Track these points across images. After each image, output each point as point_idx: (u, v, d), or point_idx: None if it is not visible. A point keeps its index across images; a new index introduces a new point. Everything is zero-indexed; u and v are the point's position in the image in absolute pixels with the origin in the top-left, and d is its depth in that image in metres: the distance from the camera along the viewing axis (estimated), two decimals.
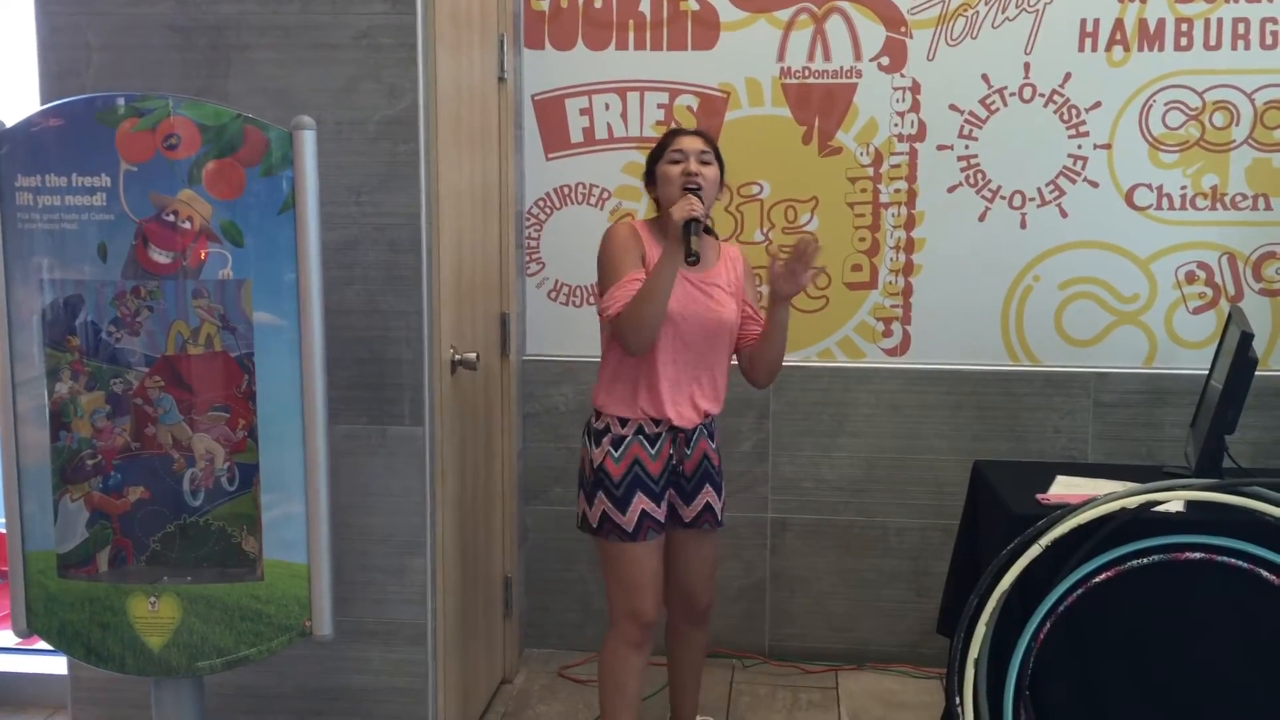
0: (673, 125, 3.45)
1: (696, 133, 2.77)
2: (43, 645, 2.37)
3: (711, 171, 2.70)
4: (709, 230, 2.75)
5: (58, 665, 3.02)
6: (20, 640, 2.47)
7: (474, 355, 2.87)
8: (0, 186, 2.18)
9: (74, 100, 2.17)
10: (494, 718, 3.28)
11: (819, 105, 3.46)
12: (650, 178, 2.77)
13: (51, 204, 2.14)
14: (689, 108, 3.49)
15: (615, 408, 2.72)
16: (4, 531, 2.41)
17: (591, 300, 3.52)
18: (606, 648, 2.80)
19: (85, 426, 2.19)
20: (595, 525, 2.72)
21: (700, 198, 2.63)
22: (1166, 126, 3.38)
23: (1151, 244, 3.42)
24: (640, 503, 2.69)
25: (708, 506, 2.81)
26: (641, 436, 2.71)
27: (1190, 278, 3.43)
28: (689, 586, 2.89)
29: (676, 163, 2.69)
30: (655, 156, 2.75)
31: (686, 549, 2.86)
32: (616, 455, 2.70)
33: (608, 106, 3.52)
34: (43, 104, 2.36)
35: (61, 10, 2.57)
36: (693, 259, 2.57)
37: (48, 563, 2.23)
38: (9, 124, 2.18)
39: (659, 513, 2.72)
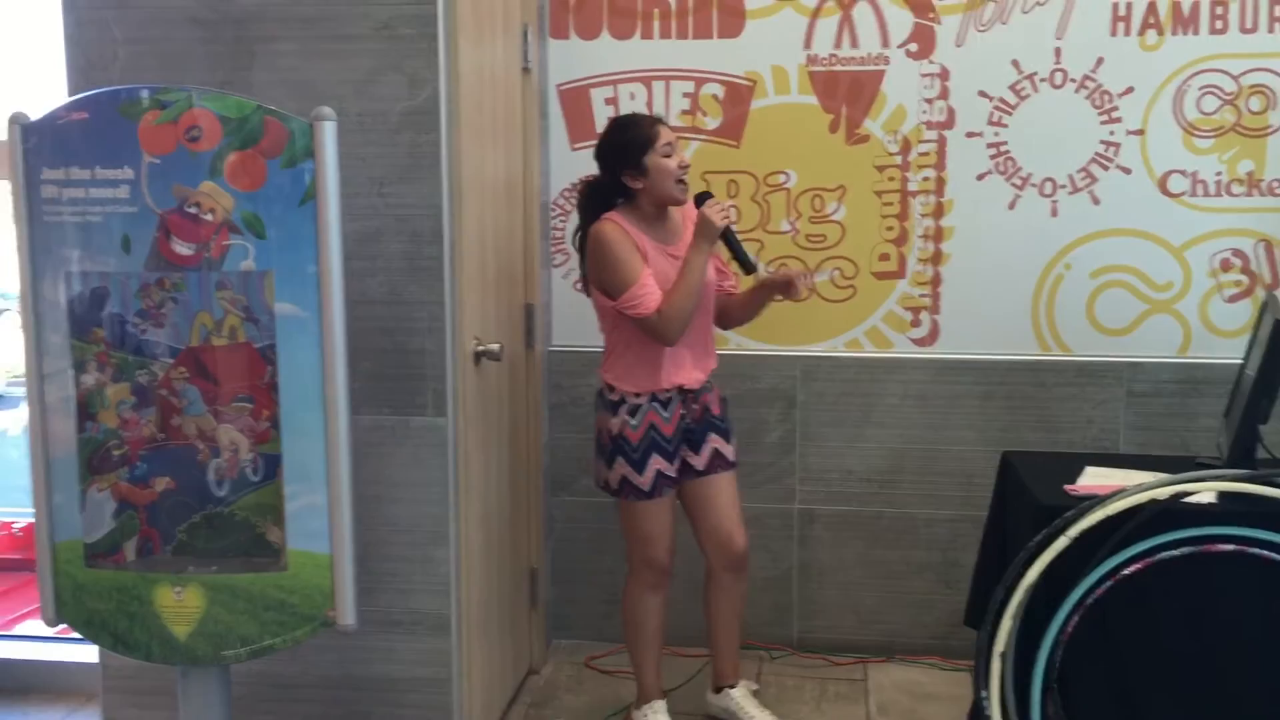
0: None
1: (664, 121, 2.90)
2: (74, 634, 2.39)
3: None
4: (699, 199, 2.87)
5: (89, 654, 3.05)
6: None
7: (497, 346, 2.87)
8: (27, 179, 2.20)
9: (98, 93, 2.18)
10: (520, 708, 3.29)
11: (846, 93, 3.43)
12: (637, 169, 2.82)
13: (76, 196, 2.16)
14: (715, 96, 3.47)
15: (628, 384, 2.90)
16: (33, 521, 2.43)
17: None
18: (627, 594, 3.05)
19: (112, 417, 2.21)
20: (615, 488, 2.93)
21: (710, 197, 2.82)
22: (1201, 111, 3.32)
23: (1186, 231, 3.37)
24: (655, 463, 2.89)
25: (716, 452, 2.99)
26: (655, 402, 2.90)
27: (1225, 265, 3.37)
28: (722, 530, 3.03)
29: (668, 156, 2.82)
30: (642, 148, 2.81)
31: (708, 496, 3.01)
32: (634, 423, 2.90)
33: (633, 96, 3.50)
34: (69, 97, 2.38)
35: (88, 4, 2.59)
36: (751, 269, 2.86)
37: (75, 552, 2.25)
38: (35, 117, 2.19)
39: (671, 469, 2.93)
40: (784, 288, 2.90)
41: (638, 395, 2.89)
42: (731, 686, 3.16)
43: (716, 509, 3.01)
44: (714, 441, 2.99)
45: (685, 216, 2.94)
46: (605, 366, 2.96)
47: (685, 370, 2.92)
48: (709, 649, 3.20)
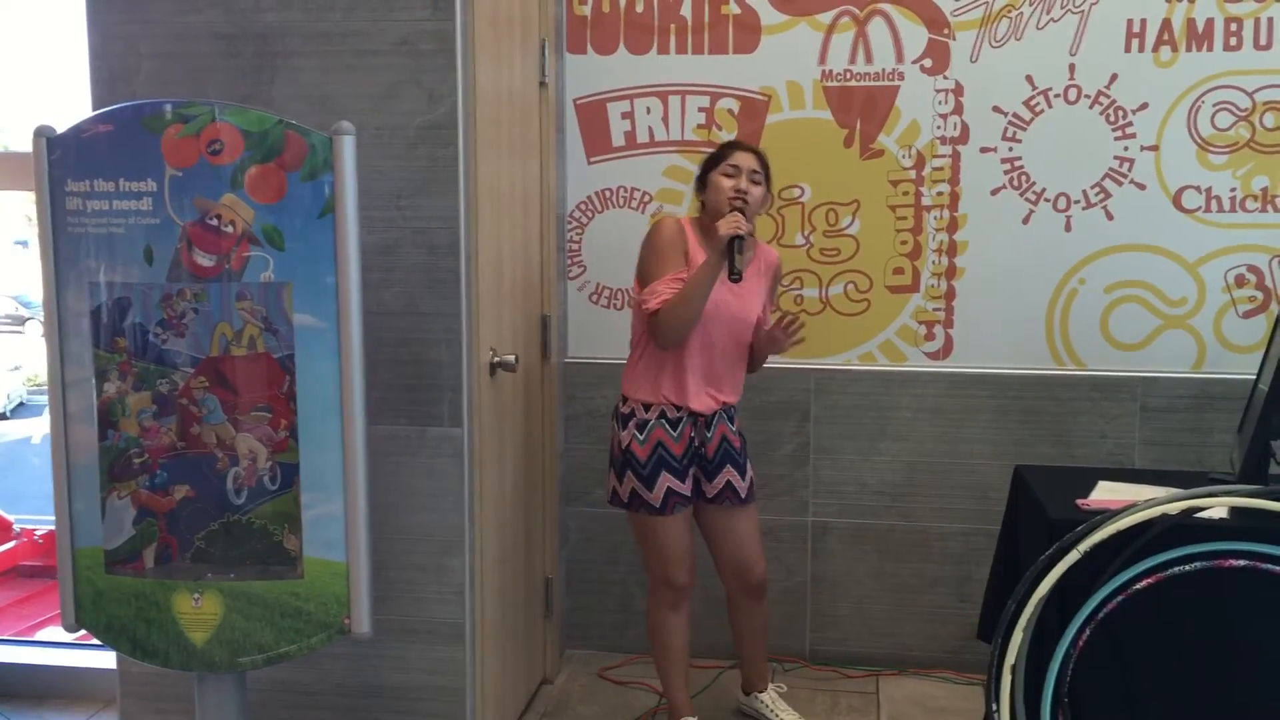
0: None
1: (754, 151, 2.96)
2: (93, 640, 2.42)
3: (759, 191, 2.92)
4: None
5: (107, 660, 3.08)
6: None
7: (513, 357, 2.90)
8: (52, 191, 2.24)
9: (122, 107, 2.22)
10: (534, 718, 3.30)
11: (861, 108, 3.45)
12: (702, 182, 2.95)
13: (100, 208, 2.20)
14: (730, 111, 3.50)
15: (640, 393, 2.94)
16: (53, 529, 2.47)
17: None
18: (649, 612, 3.08)
19: (133, 426, 2.24)
20: (626, 501, 2.96)
21: (745, 214, 2.82)
22: (1215, 128, 3.33)
23: (1200, 247, 3.37)
24: (665, 480, 2.91)
25: (728, 485, 3.00)
26: (664, 420, 2.92)
27: (1240, 281, 3.37)
28: (737, 559, 3.07)
29: (730, 176, 2.88)
30: (711, 163, 2.94)
31: (722, 524, 3.05)
32: (641, 438, 2.92)
33: (649, 110, 3.53)
34: (94, 110, 2.42)
35: (113, 19, 2.63)
36: (735, 276, 2.74)
37: (96, 559, 2.28)
38: (60, 130, 2.23)
39: (684, 488, 2.95)
40: (770, 342, 2.96)
41: (647, 409, 2.92)
42: (761, 692, 3.23)
43: (735, 538, 3.05)
44: (728, 474, 2.99)
45: (760, 255, 3.02)
46: (625, 375, 3.01)
47: (704, 396, 2.94)
48: (738, 654, 3.27)
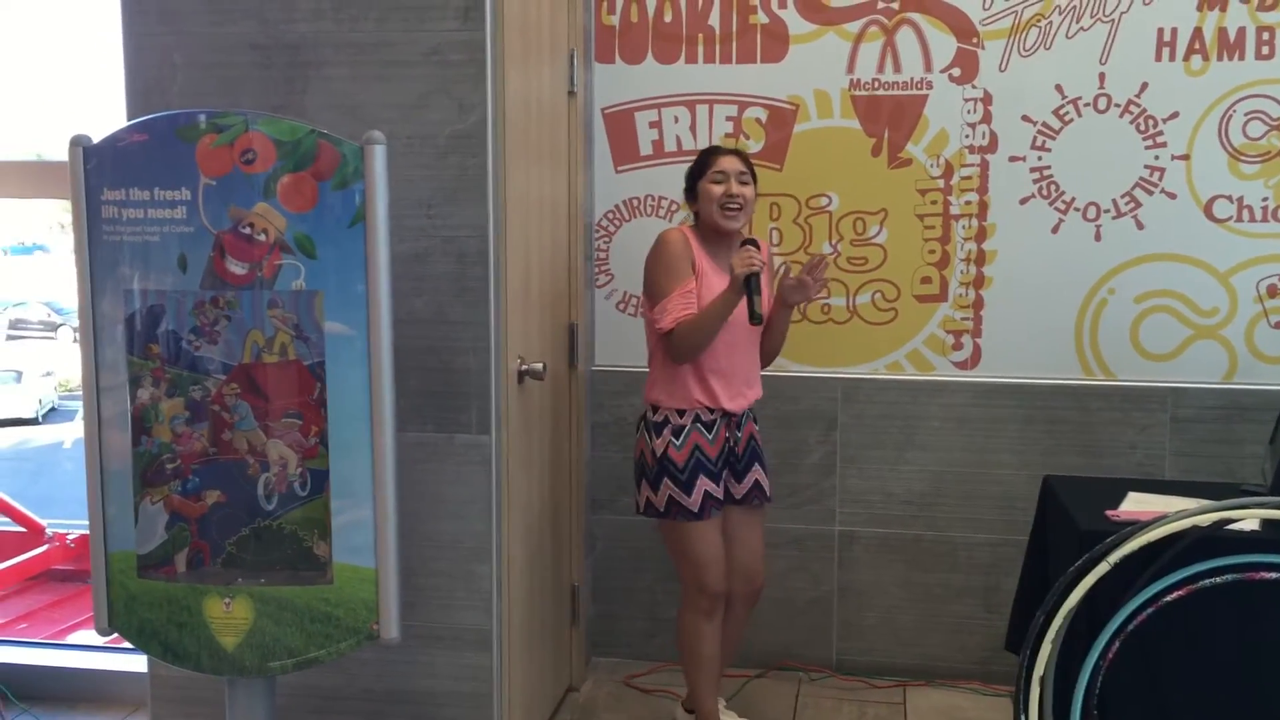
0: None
1: (735, 152, 2.98)
2: (124, 644, 2.45)
3: (750, 191, 2.94)
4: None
5: (138, 664, 3.11)
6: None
7: (541, 365, 2.91)
8: (88, 200, 2.27)
9: (157, 117, 2.24)
10: None
11: (889, 117, 3.45)
12: (691, 193, 2.97)
13: (135, 217, 2.22)
14: (758, 120, 3.51)
15: (672, 400, 2.94)
16: (85, 533, 2.49)
17: None
18: (681, 619, 3.05)
19: (165, 432, 2.26)
20: (662, 510, 2.94)
21: (753, 246, 2.79)
22: (1247, 137, 3.31)
23: (1231, 257, 3.35)
24: (703, 484, 2.92)
25: (756, 484, 3.04)
26: (699, 424, 2.93)
27: (1272, 291, 3.35)
28: (747, 565, 3.09)
29: (718, 183, 2.90)
30: (697, 173, 2.96)
31: (741, 528, 3.06)
32: (678, 443, 2.93)
33: (677, 119, 3.55)
34: (129, 120, 2.45)
35: (148, 31, 2.66)
36: (757, 320, 2.79)
37: (128, 563, 2.30)
38: (96, 140, 2.27)
39: (718, 491, 2.96)
40: (796, 290, 2.92)
41: (681, 415, 2.92)
42: (691, 711, 3.21)
43: (750, 544, 3.08)
44: (756, 473, 3.05)
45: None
46: (649, 385, 3.01)
47: (736, 395, 2.95)
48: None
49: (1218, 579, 2.37)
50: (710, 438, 2.94)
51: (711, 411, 2.93)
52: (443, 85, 2.56)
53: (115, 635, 2.37)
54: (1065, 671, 2.48)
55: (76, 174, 2.26)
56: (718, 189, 2.89)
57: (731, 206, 2.89)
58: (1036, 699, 2.45)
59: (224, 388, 2.23)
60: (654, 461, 2.94)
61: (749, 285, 2.77)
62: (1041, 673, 2.44)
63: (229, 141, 2.18)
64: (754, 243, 2.81)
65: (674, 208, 3.57)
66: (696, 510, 2.91)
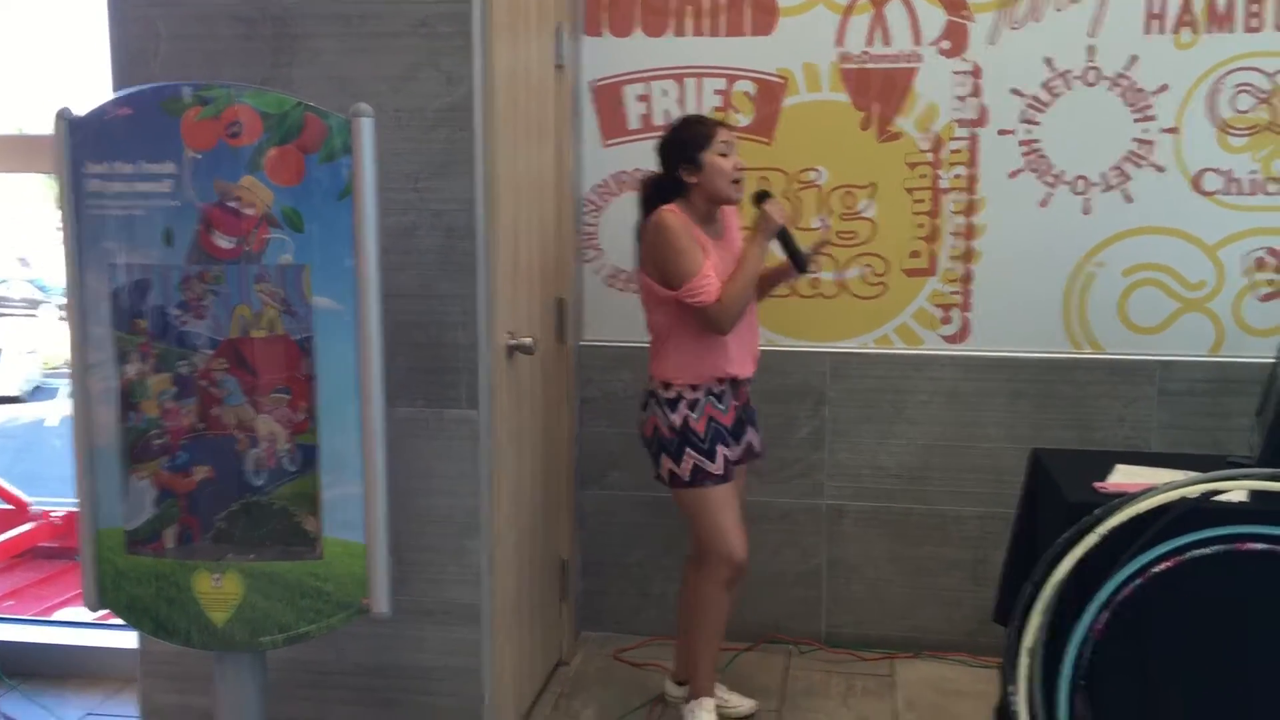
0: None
1: (724, 123, 2.99)
2: (113, 620, 2.44)
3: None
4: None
5: (127, 640, 3.11)
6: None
7: (530, 340, 2.90)
8: (72, 174, 2.25)
9: (142, 90, 2.23)
10: (550, 699, 3.32)
11: (878, 90, 3.44)
12: (692, 164, 2.89)
13: (120, 191, 2.21)
14: (746, 93, 3.49)
15: (685, 376, 2.93)
16: (71, 511, 2.48)
17: None
18: (700, 589, 3.02)
19: (153, 407, 2.25)
20: (688, 479, 2.93)
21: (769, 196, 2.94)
22: (1236, 110, 3.30)
23: (1219, 229, 3.35)
24: (722, 450, 2.94)
25: (749, 445, 3.08)
26: (711, 396, 2.94)
27: (1260, 264, 3.35)
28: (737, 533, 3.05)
29: (725, 155, 2.89)
30: (698, 145, 2.89)
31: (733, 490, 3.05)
32: (695, 415, 2.93)
33: (665, 93, 3.53)
34: (113, 94, 2.43)
35: (132, 3, 2.63)
36: (804, 268, 2.98)
37: (117, 539, 2.30)
38: (81, 113, 2.24)
39: (734, 455, 3.00)
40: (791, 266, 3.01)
41: (694, 389, 2.92)
42: (682, 684, 3.22)
43: (738, 510, 3.04)
44: (750, 435, 3.07)
45: (727, 218, 3.04)
46: (658, 363, 2.98)
47: (740, 360, 2.97)
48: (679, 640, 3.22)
49: (1206, 550, 2.37)
50: (723, 407, 2.96)
51: (722, 383, 2.95)
52: (430, 58, 2.54)
53: (105, 612, 2.37)
54: (1053, 643, 2.49)
55: (61, 148, 2.24)
56: (727, 162, 2.88)
57: (738, 180, 2.91)
58: (1025, 670, 2.46)
59: (212, 363, 2.22)
60: (673, 434, 2.93)
61: (785, 235, 2.87)
62: (1030, 644, 2.45)
63: (214, 114, 2.16)
64: (768, 194, 2.92)
65: None
66: (721, 474, 2.93)
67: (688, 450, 2.92)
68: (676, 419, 2.93)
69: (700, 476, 2.92)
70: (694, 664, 3.09)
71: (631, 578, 3.72)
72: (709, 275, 2.83)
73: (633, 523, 3.67)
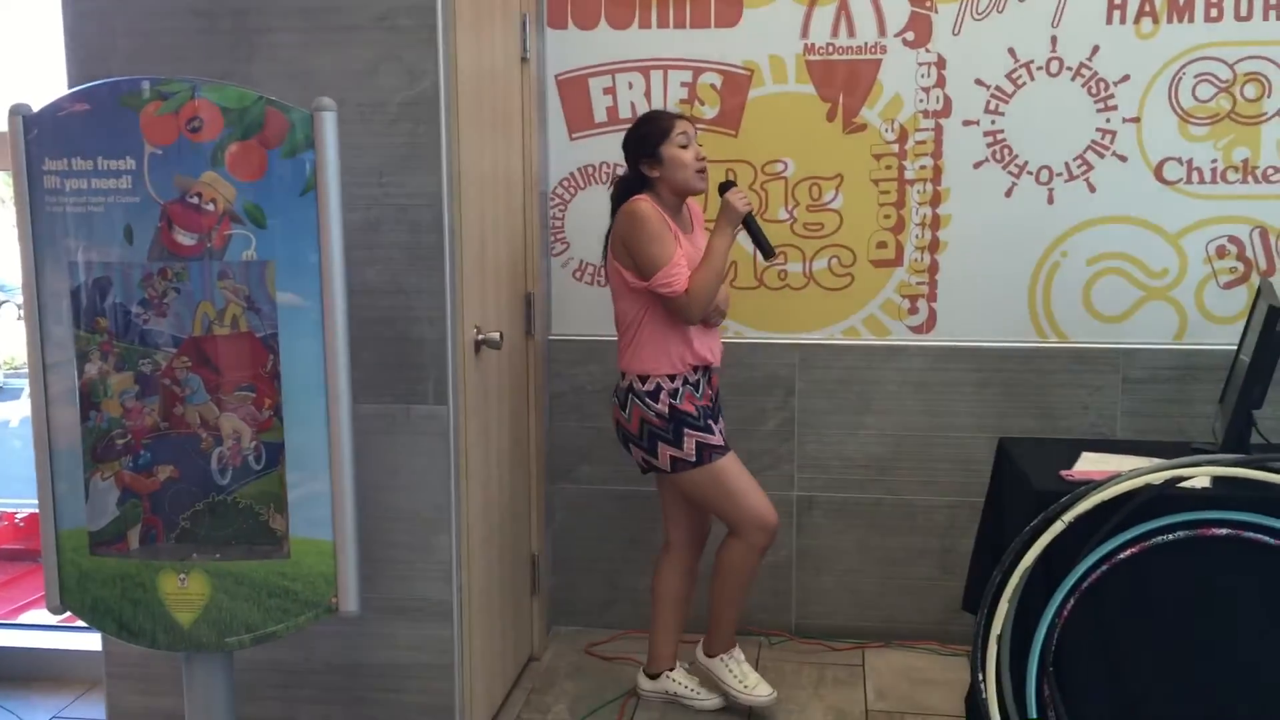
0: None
1: (686, 117, 3.02)
2: (78, 622, 2.41)
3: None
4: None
5: (92, 642, 3.07)
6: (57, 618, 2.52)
7: (498, 335, 2.89)
8: (29, 170, 2.21)
9: (99, 84, 2.19)
10: (521, 694, 3.31)
11: (843, 82, 3.44)
12: (652, 158, 2.93)
13: (79, 187, 2.17)
14: (712, 86, 3.48)
15: (660, 367, 2.96)
16: (34, 512, 2.45)
17: None
18: (735, 553, 3.03)
19: (115, 406, 2.22)
20: (695, 459, 2.94)
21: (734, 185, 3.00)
22: (1197, 99, 3.33)
23: (1181, 219, 3.38)
24: (715, 426, 2.99)
25: (720, 431, 3.05)
26: (688, 384, 2.97)
27: (1221, 252, 3.39)
28: (706, 520, 3.17)
29: (685, 146, 2.93)
30: (658, 139, 2.93)
31: None
32: (679, 400, 2.96)
33: (631, 86, 3.52)
34: (70, 89, 2.39)
35: None
36: (771, 254, 2.99)
37: (80, 541, 2.27)
38: (37, 109, 2.20)
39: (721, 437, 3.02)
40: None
41: (672, 379, 2.95)
42: (671, 669, 3.23)
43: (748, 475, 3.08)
44: (719, 423, 3.06)
45: (693, 210, 3.10)
46: (630, 357, 2.99)
47: (709, 345, 3.01)
48: (652, 628, 3.24)
49: (1170, 536, 2.40)
50: (699, 395, 2.98)
51: (696, 371, 2.98)
52: (393, 51, 2.52)
53: (68, 614, 2.34)
54: (1022, 630, 2.51)
55: (16, 144, 2.20)
56: (687, 153, 2.92)
57: (702, 169, 2.94)
58: (994, 657, 2.48)
59: (174, 361, 2.19)
60: (664, 421, 2.94)
61: (750, 223, 2.92)
62: (998, 631, 2.47)
63: (174, 109, 2.13)
64: (732, 183, 2.98)
65: None
66: (724, 444, 2.97)
67: (686, 431, 2.93)
68: (662, 406, 2.94)
69: (707, 453, 2.94)
70: (721, 620, 3.14)
71: (602, 572, 3.72)
72: (680, 264, 2.86)
73: (603, 517, 3.66)
